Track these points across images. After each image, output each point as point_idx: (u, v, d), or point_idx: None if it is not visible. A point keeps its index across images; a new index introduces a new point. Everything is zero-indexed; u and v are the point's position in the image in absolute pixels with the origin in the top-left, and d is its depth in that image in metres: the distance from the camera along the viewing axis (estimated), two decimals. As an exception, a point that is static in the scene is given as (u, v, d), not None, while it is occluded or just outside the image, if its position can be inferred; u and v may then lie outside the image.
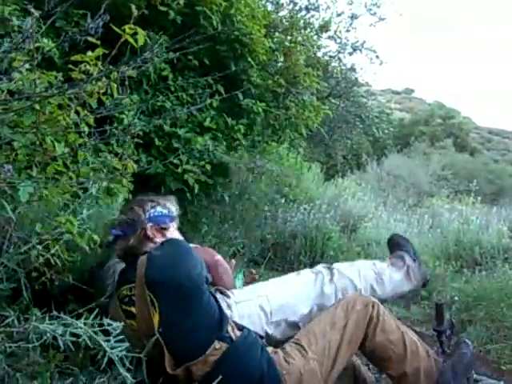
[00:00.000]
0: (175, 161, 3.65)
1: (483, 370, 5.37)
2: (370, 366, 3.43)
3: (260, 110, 4.33)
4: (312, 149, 11.70)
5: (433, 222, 11.79)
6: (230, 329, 2.34)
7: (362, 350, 2.66)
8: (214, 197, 4.65)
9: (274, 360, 2.36)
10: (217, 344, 2.25)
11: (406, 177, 18.68)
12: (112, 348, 1.92)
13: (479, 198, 14.31)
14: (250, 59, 4.29)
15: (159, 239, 2.62)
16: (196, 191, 3.86)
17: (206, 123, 4.04)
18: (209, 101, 4.02)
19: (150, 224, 2.66)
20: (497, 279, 7.36)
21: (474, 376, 3.17)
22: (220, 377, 2.14)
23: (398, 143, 24.37)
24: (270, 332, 2.72)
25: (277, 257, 7.19)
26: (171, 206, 2.79)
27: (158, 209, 2.71)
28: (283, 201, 7.96)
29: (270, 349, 2.47)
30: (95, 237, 2.39)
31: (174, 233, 2.72)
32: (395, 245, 3.50)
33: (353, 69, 10.40)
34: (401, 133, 25.89)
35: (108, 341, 1.91)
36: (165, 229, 2.69)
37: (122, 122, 3.29)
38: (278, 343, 2.63)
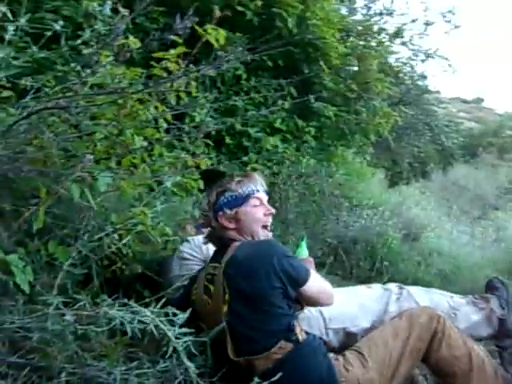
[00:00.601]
0: (245, 159, 3.69)
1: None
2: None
3: (331, 113, 4.34)
4: (378, 155, 11.60)
5: (497, 236, 11.57)
6: (297, 330, 2.33)
7: (426, 362, 2.58)
8: (279, 196, 4.65)
9: (335, 366, 2.35)
10: (283, 343, 2.27)
11: (472, 188, 18.29)
12: (177, 338, 1.96)
13: (548, 214, 13.99)
14: (322, 63, 4.30)
15: (233, 225, 2.56)
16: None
17: (277, 124, 4.08)
18: (280, 102, 4.04)
19: (220, 213, 2.58)
20: (562, 297, 7.16)
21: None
22: (280, 373, 2.16)
23: (465, 153, 23.88)
24: (326, 338, 2.71)
25: (337, 261, 7.16)
26: (241, 187, 2.63)
27: (226, 195, 2.62)
28: (347, 204, 7.92)
29: (331, 355, 2.45)
30: (167, 229, 2.45)
31: (248, 217, 2.57)
32: (491, 288, 3.33)
33: (423, 76, 10.26)
34: (468, 143, 25.37)
35: (173, 331, 1.96)
36: (235, 215, 2.57)
37: (194, 119, 3.35)
38: (334, 350, 2.59)
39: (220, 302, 2.32)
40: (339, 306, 2.74)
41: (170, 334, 1.95)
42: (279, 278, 2.24)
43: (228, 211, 2.56)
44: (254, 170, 3.74)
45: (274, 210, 2.64)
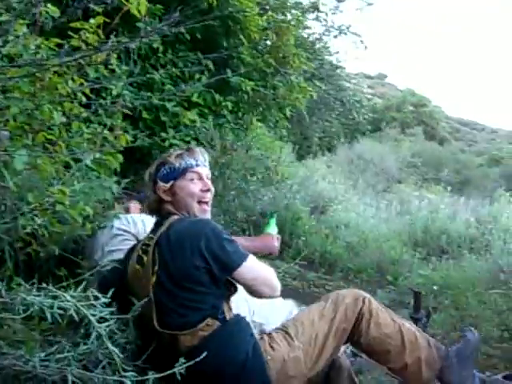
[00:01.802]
0: (162, 134, 3.60)
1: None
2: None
3: (248, 88, 4.29)
4: (289, 129, 11.67)
5: (401, 208, 11.93)
6: (226, 309, 2.34)
7: (359, 347, 2.66)
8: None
9: (260, 345, 2.37)
10: (209, 321, 2.26)
11: (377, 162, 18.73)
12: (99, 322, 1.90)
13: (448, 188, 14.55)
14: (241, 36, 4.24)
15: (169, 198, 2.53)
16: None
17: (194, 98, 4.00)
18: (198, 76, 3.98)
19: (157, 185, 2.54)
20: (463, 268, 7.49)
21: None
22: (205, 353, 2.14)
23: (370, 128, 24.41)
24: None
25: (246, 234, 7.18)
26: (180, 161, 2.58)
27: (166, 167, 2.56)
28: (255, 178, 7.92)
29: (256, 334, 2.47)
30: (87, 208, 2.36)
31: (183, 190, 2.53)
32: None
33: (336, 52, 10.36)
34: (373, 118, 25.94)
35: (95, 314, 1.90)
36: (171, 188, 2.54)
37: (111, 93, 3.22)
38: None
39: (149, 272, 2.30)
40: (264, 302, 2.80)
41: (92, 318, 1.88)
42: (204, 259, 2.23)
43: (164, 184, 2.52)
44: (172, 146, 3.67)
45: (212, 187, 2.60)
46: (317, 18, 8.98)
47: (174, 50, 4.00)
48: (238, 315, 2.39)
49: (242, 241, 2.98)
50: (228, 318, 2.32)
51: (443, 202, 11.98)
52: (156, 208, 2.57)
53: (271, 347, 2.38)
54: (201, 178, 2.57)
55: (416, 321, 3.13)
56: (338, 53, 10.38)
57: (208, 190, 2.57)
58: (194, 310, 2.27)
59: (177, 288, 2.26)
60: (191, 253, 2.24)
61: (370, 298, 2.62)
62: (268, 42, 4.71)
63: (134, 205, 3.36)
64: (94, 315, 1.90)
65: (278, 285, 2.43)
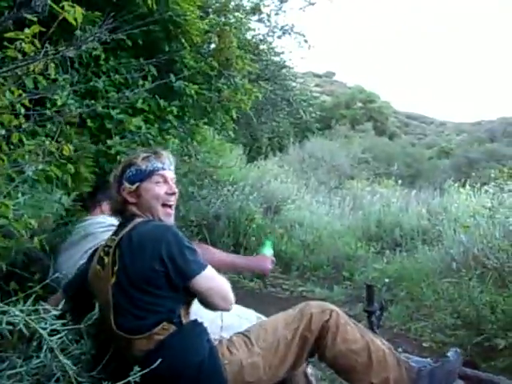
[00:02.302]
0: (109, 142, 3.58)
1: (405, 347, 5.57)
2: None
3: (192, 92, 4.29)
4: (237, 131, 11.68)
5: (354, 204, 12.06)
6: (183, 313, 2.34)
7: (325, 360, 2.59)
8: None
9: (216, 349, 2.36)
10: (165, 324, 2.27)
11: (328, 159, 18.90)
12: (50, 335, 1.88)
13: (399, 181, 14.76)
14: (183, 40, 4.24)
15: (134, 200, 2.55)
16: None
17: (139, 105, 3.98)
18: (141, 82, 3.96)
19: (122, 186, 2.57)
20: (416, 260, 7.62)
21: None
22: (160, 359, 2.11)
23: (320, 126, 24.62)
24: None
25: (200, 239, 7.16)
26: (146, 163, 2.59)
27: (131, 168, 2.58)
28: (206, 182, 7.92)
29: (215, 339, 2.47)
30: (32, 222, 2.33)
31: (148, 193, 2.55)
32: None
33: (280, 52, 10.39)
34: (322, 116, 26.17)
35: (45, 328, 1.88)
36: (136, 190, 2.56)
37: (56, 103, 3.19)
38: None
39: (109, 273, 2.33)
40: (235, 319, 2.90)
41: (42, 332, 1.87)
42: (163, 263, 2.25)
43: (130, 185, 2.54)
44: (119, 153, 3.65)
45: (176, 190, 2.61)
46: (260, 20, 9.02)
47: (116, 57, 3.97)
48: (195, 320, 2.40)
49: (233, 257, 3.24)
50: (184, 322, 2.33)
51: (395, 195, 12.17)
52: (120, 209, 2.59)
53: (229, 351, 2.38)
54: (166, 181, 2.59)
55: (370, 314, 3.16)
56: (283, 53, 10.41)
57: (173, 194, 2.59)
58: (150, 312, 2.28)
59: (134, 289, 2.27)
60: (151, 256, 2.26)
61: (339, 312, 2.59)
62: (211, 45, 4.69)
63: (107, 205, 3.34)
64: (44, 328, 1.89)
65: (232, 298, 2.40)
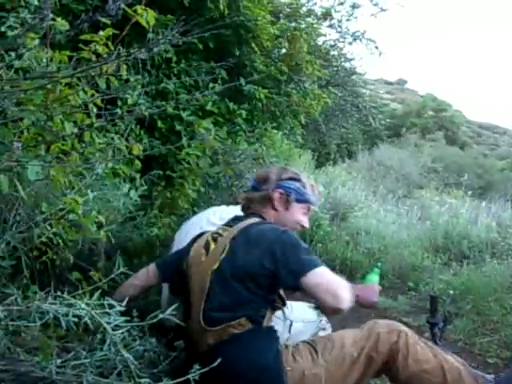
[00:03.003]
0: (183, 143, 3.65)
1: (468, 362, 5.45)
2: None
3: (262, 96, 4.32)
4: (306, 136, 11.69)
5: (422, 214, 11.87)
6: (267, 315, 2.38)
7: (397, 381, 2.50)
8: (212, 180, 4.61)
9: (282, 354, 2.36)
10: (243, 320, 2.29)
11: (397, 168, 18.69)
12: (114, 329, 1.92)
13: (469, 192, 14.45)
14: (253, 45, 4.27)
15: (280, 208, 2.66)
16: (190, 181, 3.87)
17: (208, 107, 4.03)
18: (211, 85, 4.01)
19: (280, 190, 2.66)
20: (484, 273, 7.44)
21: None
22: (226, 354, 2.17)
23: (390, 134, 24.39)
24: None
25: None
26: (309, 189, 2.73)
27: (296, 183, 2.70)
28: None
29: (282, 343, 2.47)
30: (100, 217, 2.39)
31: (295, 213, 2.69)
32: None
33: (351, 58, 10.36)
34: (392, 123, 25.90)
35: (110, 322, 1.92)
36: (289, 202, 2.67)
37: (126, 102, 3.27)
38: None
39: (214, 258, 2.40)
40: (300, 325, 2.97)
41: (106, 326, 1.91)
42: (274, 261, 2.29)
43: (288, 195, 2.66)
44: (188, 154, 3.72)
45: (308, 227, 2.77)
46: (331, 26, 9.01)
47: (187, 60, 4.04)
48: (272, 326, 2.43)
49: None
50: (264, 324, 2.36)
51: (464, 206, 11.90)
52: (257, 205, 2.70)
53: (294, 358, 2.38)
54: (308, 213, 2.75)
55: (433, 325, 3.10)
56: (353, 59, 10.36)
57: (304, 227, 2.75)
58: (239, 306, 2.32)
59: (234, 280, 2.32)
60: (264, 252, 2.31)
61: (408, 332, 2.52)
62: (282, 50, 4.72)
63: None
64: (108, 323, 1.92)
65: (344, 297, 2.26)
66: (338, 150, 15.74)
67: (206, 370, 1.98)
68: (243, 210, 2.76)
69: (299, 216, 2.69)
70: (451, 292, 3.38)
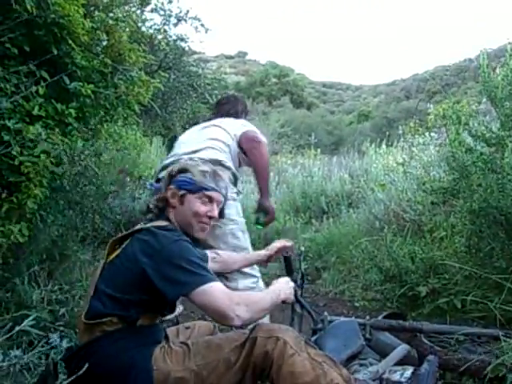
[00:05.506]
0: (13, 152, 3.55)
1: (340, 310, 5.74)
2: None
3: (89, 91, 4.26)
4: (150, 124, 11.65)
5: (279, 179, 12.16)
6: (142, 319, 2.41)
7: None
8: (56, 186, 4.50)
9: (152, 354, 2.37)
10: (114, 319, 2.33)
11: (248, 138, 18.88)
12: None
13: (319, 150, 14.95)
14: (70, 41, 4.19)
15: (175, 204, 2.68)
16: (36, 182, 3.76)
17: (35, 111, 3.92)
18: (34, 88, 3.91)
19: (171, 187, 2.70)
20: (343, 224, 7.80)
21: (330, 317, 3.34)
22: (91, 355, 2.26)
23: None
24: None
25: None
26: (199, 176, 2.69)
27: (185, 175, 2.69)
28: (128, 179, 7.86)
29: (163, 343, 2.50)
30: None
31: (190, 204, 2.67)
32: None
33: (181, 39, 10.39)
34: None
35: None
36: (183, 196, 2.67)
37: None
38: None
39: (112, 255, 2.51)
40: None
41: None
42: (156, 270, 2.32)
43: (177, 189, 2.69)
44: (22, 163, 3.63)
45: (216, 215, 2.74)
46: (153, 10, 9.05)
47: (4, 67, 3.90)
48: (149, 326, 2.49)
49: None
50: (137, 324, 2.41)
51: (316, 164, 12.30)
52: (159, 206, 2.73)
53: (163, 358, 2.39)
54: (211, 202, 2.71)
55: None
56: (182, 40, 10.43)
57: (212, 217, 2.73)
58: (113, 300, 2.35)
59: (119, 275, 2.40)
60: (148, 256, 2.35)
61: (288, 341, 2.36)
62: (103, 43, 4.66)
63: None
64: None
65: (233, 316, 2.27)
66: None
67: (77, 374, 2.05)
68: (153, 212, 2.75)
69: (195, 207, 2.68)
70: (302, 249, 3.52)
